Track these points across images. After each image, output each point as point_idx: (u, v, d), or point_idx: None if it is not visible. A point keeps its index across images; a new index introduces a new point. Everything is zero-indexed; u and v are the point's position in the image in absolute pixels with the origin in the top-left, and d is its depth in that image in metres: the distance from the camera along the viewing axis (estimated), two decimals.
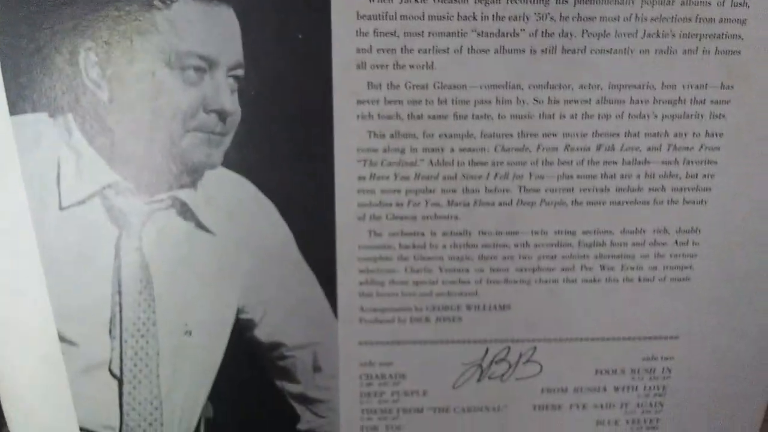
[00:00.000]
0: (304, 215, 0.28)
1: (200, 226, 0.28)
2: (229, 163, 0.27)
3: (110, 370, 0.30)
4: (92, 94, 0.25)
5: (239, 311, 0.29)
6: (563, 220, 0.28)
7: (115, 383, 0.30)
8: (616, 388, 0.32)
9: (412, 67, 0.25)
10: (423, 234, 0.28)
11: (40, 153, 0.26)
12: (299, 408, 0.32)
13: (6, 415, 0.31)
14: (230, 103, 0.26)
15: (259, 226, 0.28)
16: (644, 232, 0.29)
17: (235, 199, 0.27)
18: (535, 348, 0.31)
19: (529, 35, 0.25)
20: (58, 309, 0.28)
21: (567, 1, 0.25)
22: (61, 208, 0.27)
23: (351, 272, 0.29)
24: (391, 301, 0.30)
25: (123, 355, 0.30)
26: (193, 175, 0.27)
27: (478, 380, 0.32)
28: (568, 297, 0.30)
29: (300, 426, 0.32)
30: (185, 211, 0.27)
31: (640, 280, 0.30)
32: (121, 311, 0.29)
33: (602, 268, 0.29)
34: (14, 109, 0.25)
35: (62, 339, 0.29)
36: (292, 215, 0.28)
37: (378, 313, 0.30)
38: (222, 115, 0.26)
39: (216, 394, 0.31)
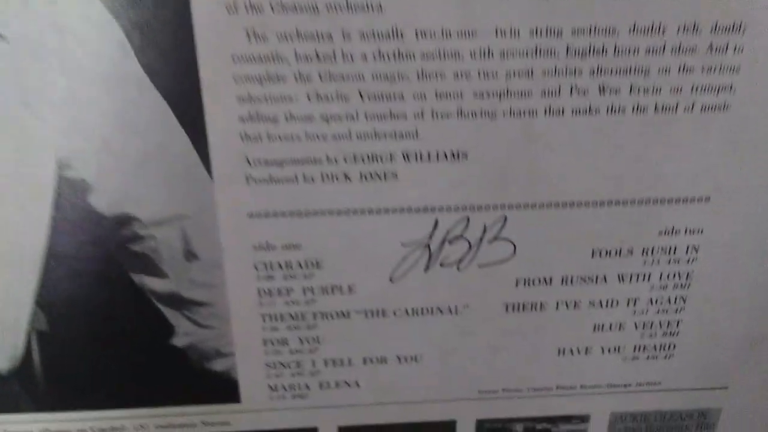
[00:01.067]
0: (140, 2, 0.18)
1: None
2: None
3: None
4: None
5: (61, 166, 0.20)
6: (543, 12, 0.19)
7: None
8: (621, 278, 0.23)
9: None
10: (331, 36, 0.19)
11: None
12: (171, 314, 0.22)
13: None
14: None
15: (73, 22, 0.18)
16: (664, 30, 0.19)
17: None
18: (504, 218, 0.22)
19: None
20: None
21: None
22: None
23: (225, 99, 0.19)
24: (291, 148, 0.20)
25: None
26: None
27: (426, 269, 0.22)
28: (551, 138, 0.20)
29: (175, 341, 0.23)
30: None
31: (657, 109, 0.20)
32: None
33: (602, 90, 0.20)
34: None
35: None
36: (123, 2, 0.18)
37: (273, 168, 0.20)
38: None
39: (48, 299, 0.22)
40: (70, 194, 0.20)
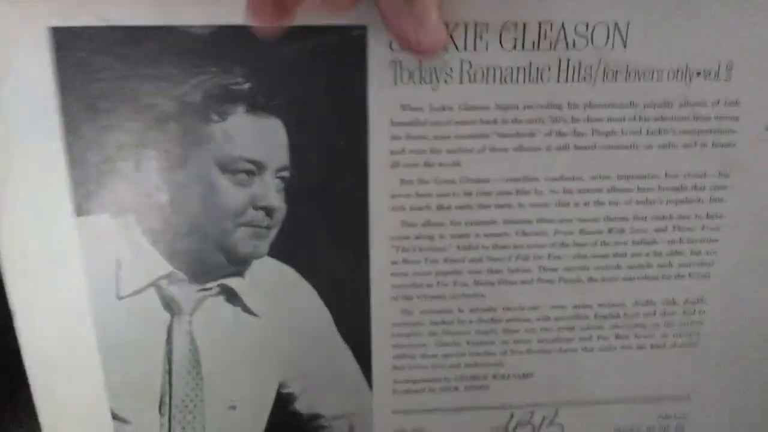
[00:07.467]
0: (342, 298, 0.30)
1: (246, 310, 0.30)
2: (274, 252, 0.29)
3: None
4: (153, 196, 0.28)
5: (281, 386, 0.32)
6: (580, 295, 0.31)
7: None
8: None
9: (440, 165, 0.28)
10: (451, 311, 0.31)
11: (101, 249, 0.28)
12: None
13: None
14: (277, 200, 0.28)
15: (300, 309, 0.30)
16: (654, 303, 0.31)
17: (278, 285, 0.30)
18: (556, 411, 0.33)
19: (545, 135, 0.28)
20: (113, 389, 0.31)
21: (578, 106, 0.27)
22: (118, 298, 0.29)
23: (385, 348, 0.31)
24: (423, 373, 0.32)
25: (171, 430, 0.32)
26: (241, 264, 0.29)
27: None
28: (586, 364, 0.32)
29: None
30: (233, 297, 0.30)
31: (652, 346, 0.32)
32: (171, 389, 0.31)
33: (617, 337, 0.32)
34: (80, 210, 0.28)
35: (115, 417, 0.31)
36: (331, 298, 0.30)
37: (410, 384, 0.32)
38: (269, 211, 0.28)
39: None
40: (282, 402, 0.32)
